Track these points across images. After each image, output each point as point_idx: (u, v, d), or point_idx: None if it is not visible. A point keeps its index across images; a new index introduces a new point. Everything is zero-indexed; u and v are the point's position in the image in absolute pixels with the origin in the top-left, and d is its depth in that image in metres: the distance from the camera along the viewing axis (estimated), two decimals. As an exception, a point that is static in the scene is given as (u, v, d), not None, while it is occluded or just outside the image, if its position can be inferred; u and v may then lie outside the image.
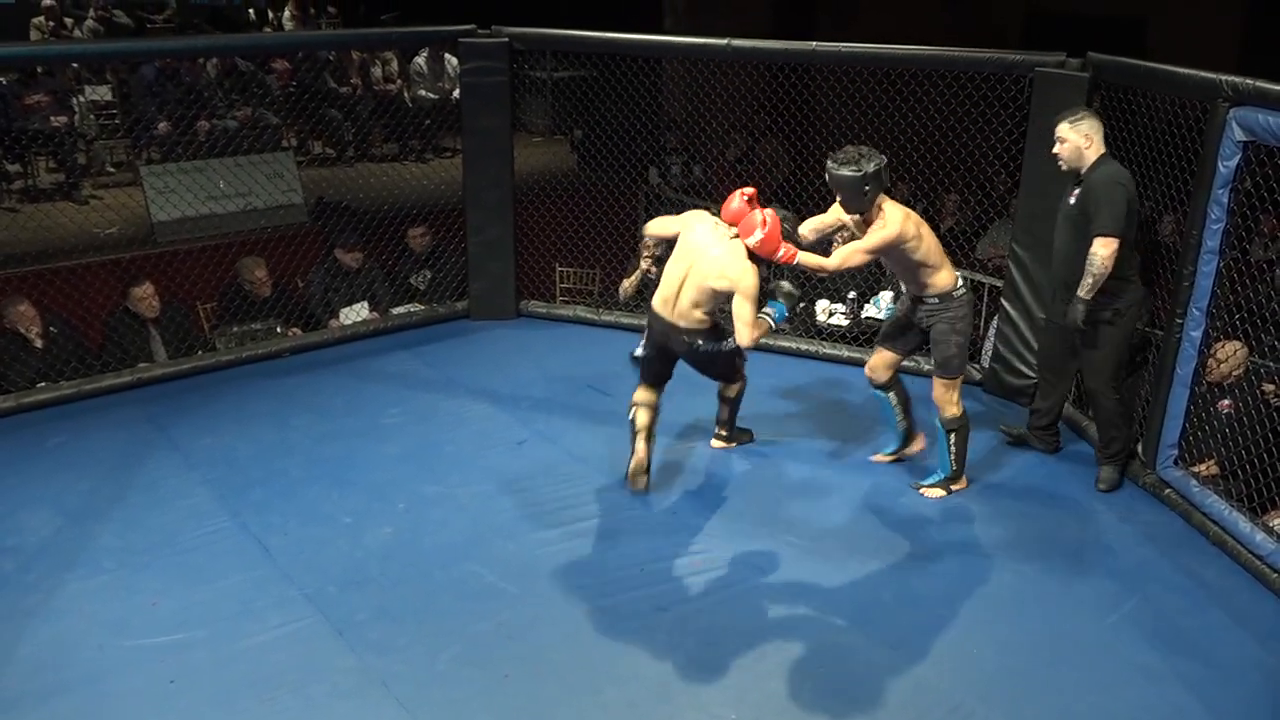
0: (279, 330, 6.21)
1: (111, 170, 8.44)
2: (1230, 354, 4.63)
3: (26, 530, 4.27)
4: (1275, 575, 4.03)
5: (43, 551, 4.13)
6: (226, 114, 8.51)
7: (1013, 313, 5.59)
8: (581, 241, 7.02)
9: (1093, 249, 4.32)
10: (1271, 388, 4.70)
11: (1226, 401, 4.66)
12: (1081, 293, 4.37)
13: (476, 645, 3.59)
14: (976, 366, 5.97)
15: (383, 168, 7.86)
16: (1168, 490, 4.63)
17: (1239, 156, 4.13)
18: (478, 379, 5.82)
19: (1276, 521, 4.29)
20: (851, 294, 6.42)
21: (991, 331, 5.95)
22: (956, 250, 6.57)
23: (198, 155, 7.12)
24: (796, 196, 7.09)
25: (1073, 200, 4.46)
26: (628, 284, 6.66)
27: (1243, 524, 4.21)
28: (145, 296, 5.81)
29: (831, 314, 6.48)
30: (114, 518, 4.37)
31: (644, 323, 6.61)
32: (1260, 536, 4.13)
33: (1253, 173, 4.25)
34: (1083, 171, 4.45)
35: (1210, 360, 4.58)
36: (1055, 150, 4.49)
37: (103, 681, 3.41)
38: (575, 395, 5.65)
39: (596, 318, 6.69)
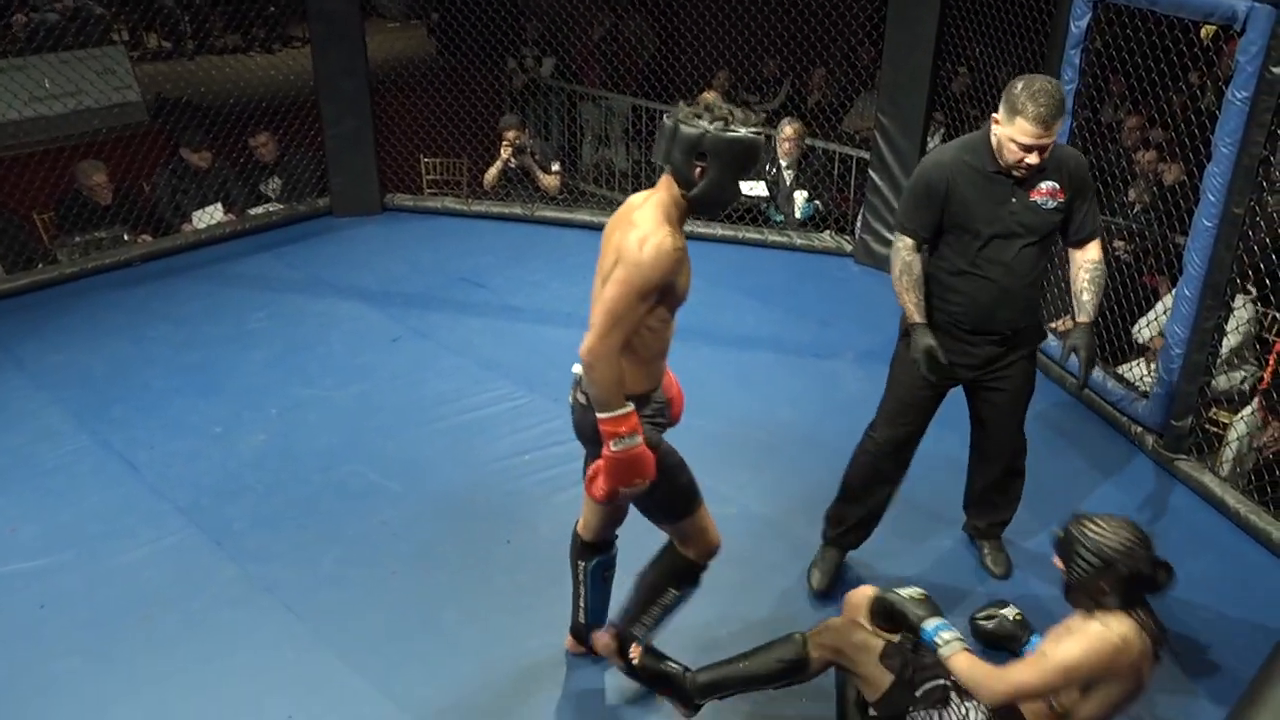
0: (126, 237, 5.84)
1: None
2: (1084, 213, 4.78)
3: None
4: (1125, 419, 4.28)
5: (-117, 485, 3.87)
6: (44, 6, 7.80)
7: (880, 183, 5.66)
8: (446, 131, 6.76)
9: (1094, 254, 3.09)
10: (1121, 244, 4.91)
11: (1081, 259, 4.84)
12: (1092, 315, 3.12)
13: (361, 545, 3.55)
14: (848, 238, 6.07)
15: (226, 60, 7.37)
16: (1028, 347, 4.83)
17: (1089, 16, 4.21)
18: (345, 277, 5.62)
19: (1124, 368, 4.54)
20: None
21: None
22: (825, 124, 6.60)
23: (16, 53, 6.53)
24: (664, 75, 6.97)
25: (1044, 198, 2.97)
26: (490, 174, 6.49)
27: (1096, 373, 4.43)
28: (-28, 208, 5.37)
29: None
30: (-39, 445, 4.11)
31: (517, 211, 6.51)
32: (1111, 384, 4.36)
33: (1102, 32, 4.34)
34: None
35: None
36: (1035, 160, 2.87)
37: (-36, 613, 3.25)
38: (448, 289, 5.52)
39: (466, 208, 6.51)
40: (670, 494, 2.62)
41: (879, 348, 4.93)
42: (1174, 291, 4.04)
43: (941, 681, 2.45)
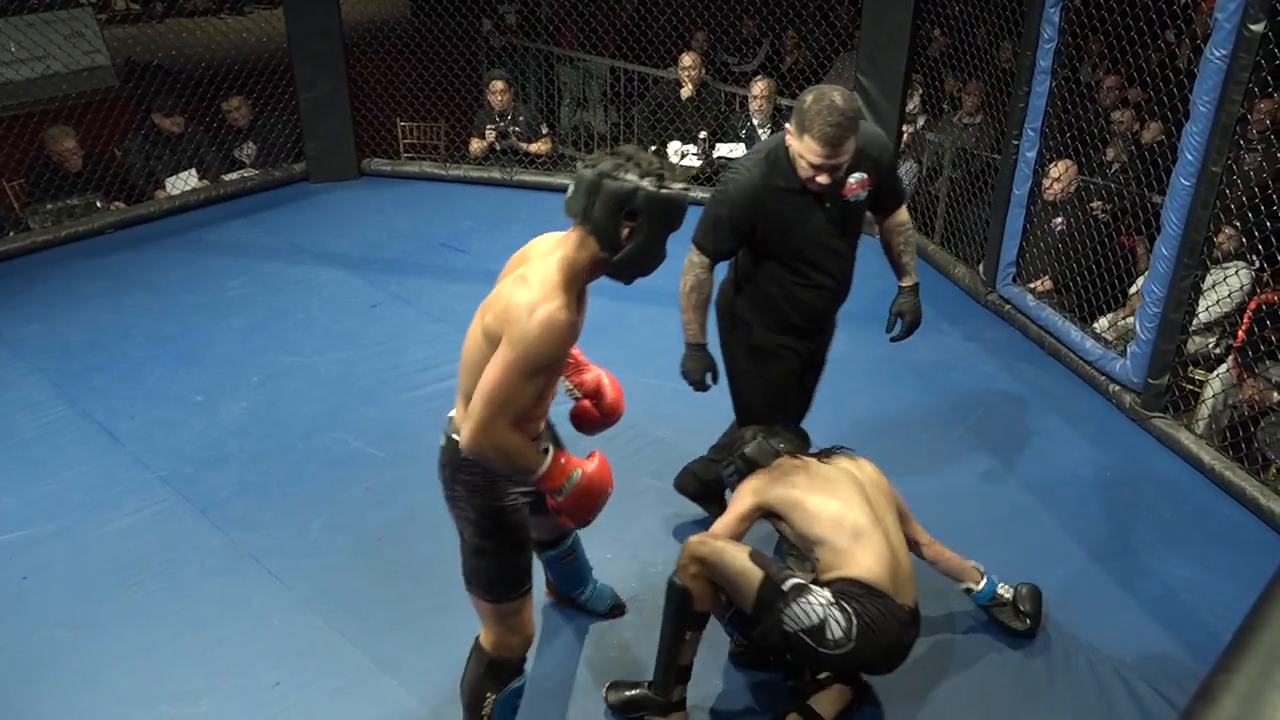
0: (99, 205, 5.77)
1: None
2: (1063, 172, 4.81)
3: None
4: (1103, 378, 4.33)
5: None
6: (9, -33, 7.62)
7: (860, 144, 5.65)
8: (423, 94, 6.69)
9: (904, 215, 3.12)
10: (1099, 204, 4.94)
11: (1059, 219, 4.88)
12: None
13: (346, 512, 3.55)
14: (827, 200, 6.06)
15: (197, 22, 7.23)
16: (1007, 306, 4.87)
17: (1070, -26, 4.19)
18: (324, 243, 5.58)
19: (1100, 324, 4.58)
20: (703, 134, 6.36)
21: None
22: (803, 85, 6.56)
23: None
24: (643, 36, 6.91)
25: (856, 193, 2.87)
26: (476, 147, 6.46)
27: (1074, 333, 4.48)
28: (-60, 176, 5.28)
29: (684, 155, 6.42)
30: (-63, 416, 4.07)
31: (496, 175, 6.45)
32: (1090, 343, 4.41)
33: (1082, -10, 4.33)
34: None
35: (1045, 180, 4.76)
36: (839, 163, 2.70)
37: (-53, 585, 3.24)
38: (428, 254, 5.49)
39: (444, 173, 6.46)
40: (499, 569, 2.32)
41: (861, 310, 4.94)
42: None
43: (797, 579, 2.53)
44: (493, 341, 2.10)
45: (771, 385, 3.12)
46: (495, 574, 2.34)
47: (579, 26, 7.94)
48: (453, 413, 2.31)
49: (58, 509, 3.56)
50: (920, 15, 5.30)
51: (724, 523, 2.72)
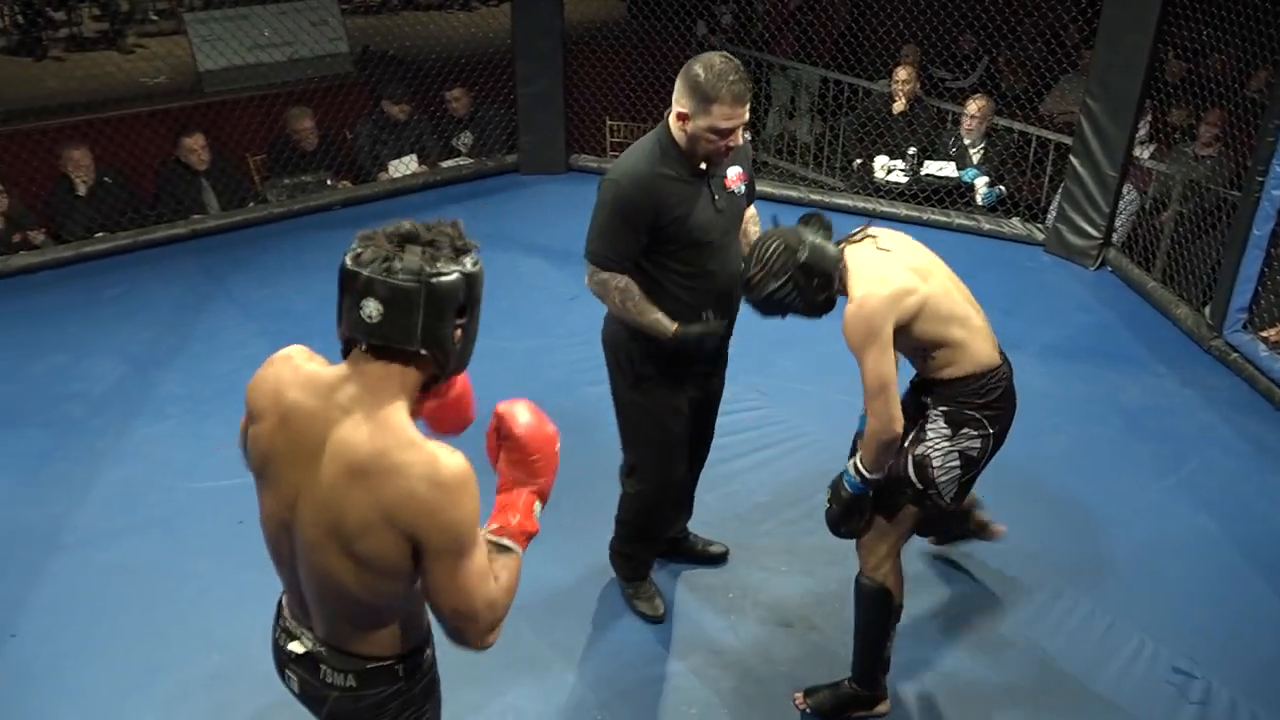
0: (329, 182, 6.18)
1: (155, 18, 8.28)
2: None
3: (93, 377, 4.38)
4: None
5: (110, 397, 4.24)
6: (268, -41, 8.25)
7: (1082, 171, 5.39)
8: (633, 94, 6.82)
9: (753, 209, 3.00)
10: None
11: (1302, 264, 4.50)
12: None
13: (532, 495, 3.66)
14: (1040, 226, 5.81)
15: (430, 16, 7.62)
16: (1234, 355, 4.53)
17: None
18: (529, 234, 5.77)
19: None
20: (912, 150, 6.21)
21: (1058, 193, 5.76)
22: (1022, 105, 6.31)
23: (241, 2, 6.95)
24: (858, 48, 6.81)
25: (737, 185, 2.81)
26: None
27: (1256, 344, 4.12)
28: (196, 148, 5.77)
29: (890, 170, 6.29)
30: (177, 366, 4.46)
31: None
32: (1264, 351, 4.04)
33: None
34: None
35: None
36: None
37: (173, 522, 3.54)
38: (627, 251, 5.59)
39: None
40: None
41: (1063, 342, 4.74)
42: None
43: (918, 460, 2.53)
44: (385, 569, 1.58)
45: (665, 424, 2.92)
46: None
47: (793, 35, 7.90)
48: (306, 645, 1.74)
49: (273, 462, 3.82)
50: (1162, 38, 5.00)
51: (880, 369, 2.39)
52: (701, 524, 3.47)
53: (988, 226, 5.87)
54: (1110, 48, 5.10)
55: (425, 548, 1.55)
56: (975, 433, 2.52)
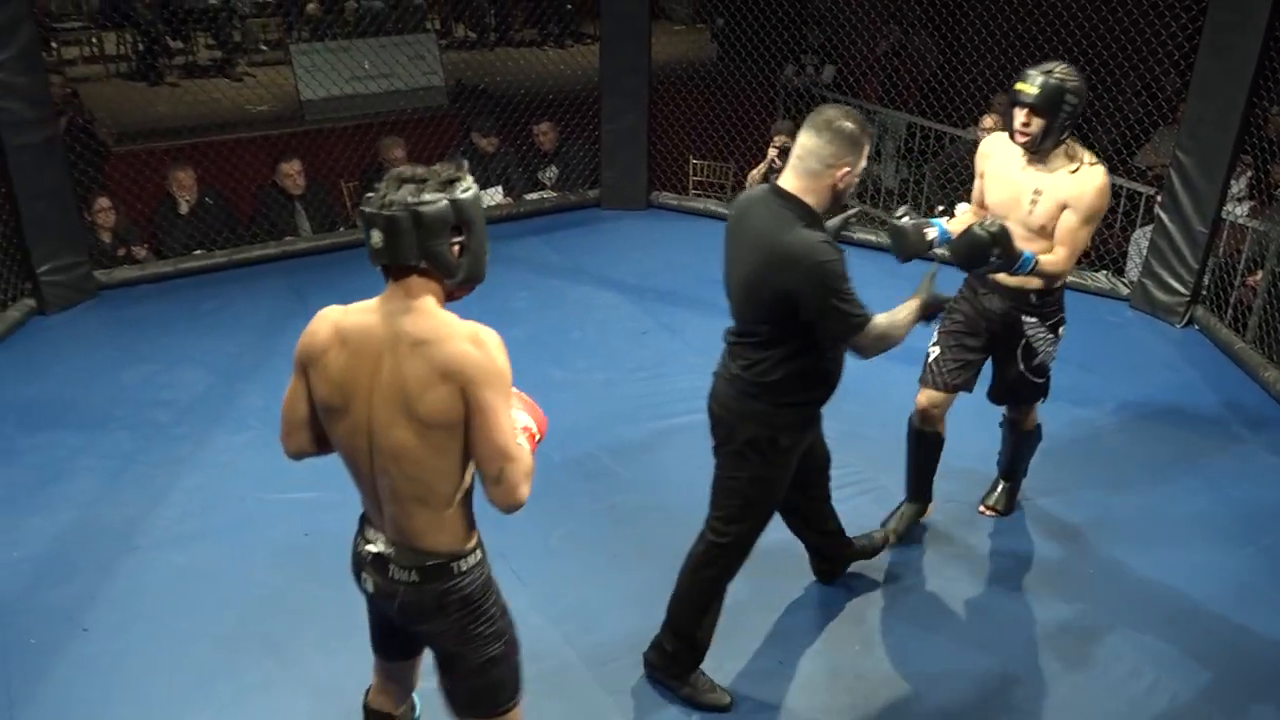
0: (416, 211, 6.35)
1: (264, 48, 8.67)
2: None
3: (180, 386, 4.57)
4: None
5: (194, 407, 4.41)
6: (372, -6, 8.58)
7: (1170, 225, 5.26)
8: (717, 134, 6.89)
9: None
10: None
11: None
12: None
13: (587, 524, 3.70)
14: (1124, 280, 5.68)
15: (522, 52, 7.84)
16: (1324, 421, 4.35)
17: None
18: (606, 268, 5.85)
19: None
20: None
21: (1143, 244, 5.62)
22: (1114, 158, 6.19)
23: (344, 35, 7.24)
24: (944, 94, 6.77)
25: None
26: (755, 173, 6.55)
27: None
28: (292, 173, 6.01)
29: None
30: (259, 380, 4.62)
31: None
32: None
33: None
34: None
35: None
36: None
37: (243, 530, 3.66)
38: (700, 288, 5.62)
39: (728, 212, 6.60)
40: (508, 672, 2.22)
41: (1143, 401, 4.61)
42: None
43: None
44: (447, 424, 1.94)
45: (781, 491, 2.91)
46: (505, 680, 2.24)
47: (881, 80, 7.89)
48: (379, 547, 2.09)
49: (341, 480, 3.86)
50: (1259, 91, 4.87)
51: (1087, 241, 3.28)
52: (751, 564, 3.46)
53: (1071, 279, 5.73)
54: (1203, 100, 4.98)
55: (472, 395, 1.92)
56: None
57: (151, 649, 3.12)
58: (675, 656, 2.97)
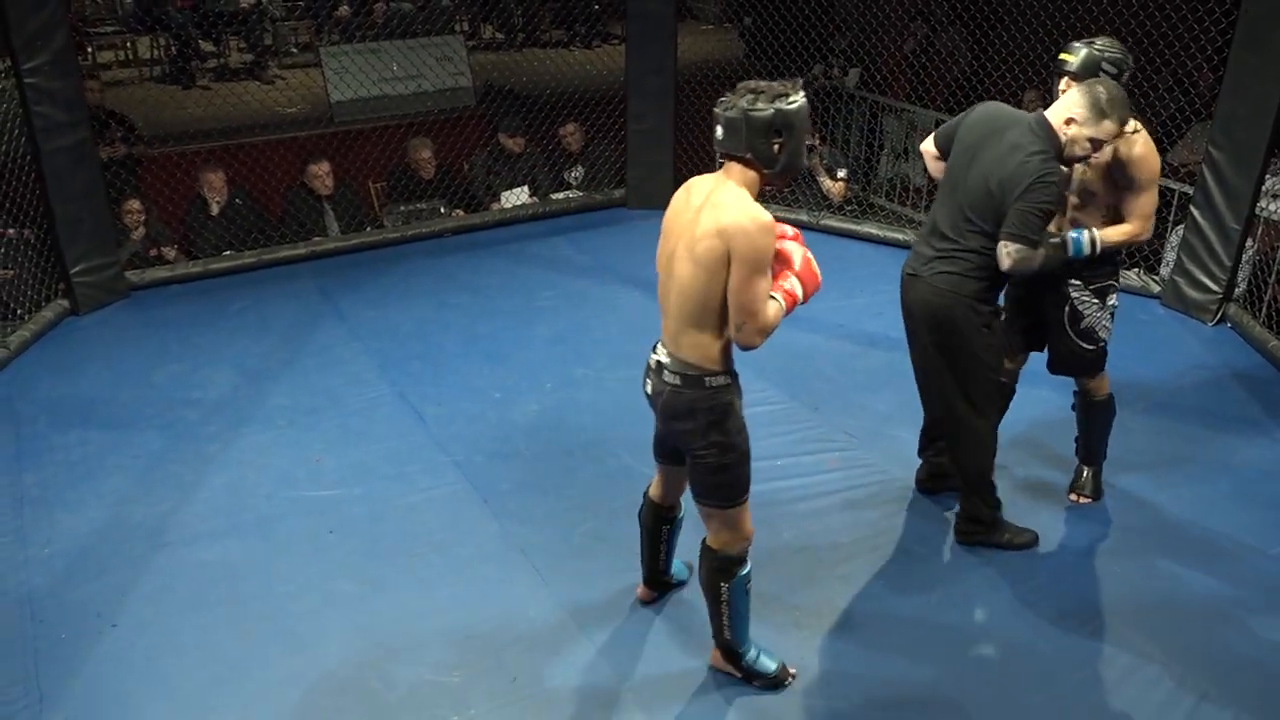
0: (443, 210, 6.40)
1: (295, 51, 8.75)
2: None
3: (209, 385, 4.62)
4: None
5: (222, 405, 4.47)
6: (402, -3, 8.63)
7: (1203, 222, 5.19)
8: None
9: None
10: None
11: None
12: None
13: (609, 522, 3.70)
14: (1155, 278, 5.61)
15: (549, 53, 7.86)
16: (1360, 421, 4.27)
17: None
18: (630, 268, 5.86)
19: None
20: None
21: (1174, 241, 5.55)
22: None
23: (373, 37, 7.29)
24: (972, 91, 6.72)
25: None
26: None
27: None
28: (321, 174, 6.07)
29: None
30: (286, 379, 4.67)
31: (802, 218, 6.50)
32: None
33: None
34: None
35: None
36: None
37: (270, 526, 3.70)
38: (726, 288, 5.62)
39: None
40: (739, 477, 2.75)
41: (1174, 399, 4.55)
42: None
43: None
44: (710, 267, 2.51)
45: (992, 364, 3.39)
46: (736, 482, 2.74)
47: (910, 78, 7.85)
48: (661, 357, 2.69)
49: (365, 476, 3.98)
50: (1293, 87, 4.79)
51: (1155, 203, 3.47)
52: (779, 560, 3.45)
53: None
54: (1237, 96, 4.91)
55: (735, 257, 2.47)
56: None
57: (180, 644, 3.16)
58: (977, 516, 3.52)
